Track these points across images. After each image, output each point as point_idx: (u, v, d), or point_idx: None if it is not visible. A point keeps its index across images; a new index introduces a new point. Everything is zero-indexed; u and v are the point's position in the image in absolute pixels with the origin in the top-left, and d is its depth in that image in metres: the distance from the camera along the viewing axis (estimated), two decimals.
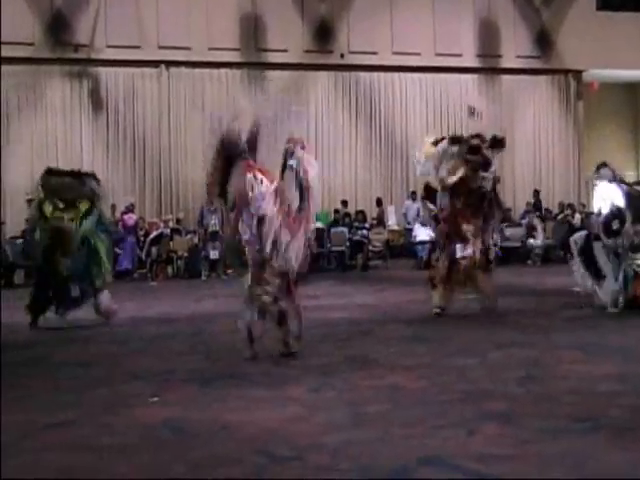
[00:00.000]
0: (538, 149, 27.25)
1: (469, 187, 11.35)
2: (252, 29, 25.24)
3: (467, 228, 11.28)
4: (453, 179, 11.27)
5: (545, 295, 12.13)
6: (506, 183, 25.38)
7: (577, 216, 24.47)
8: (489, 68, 27.14)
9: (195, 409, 6.14)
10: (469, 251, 11.33)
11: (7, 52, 23.36)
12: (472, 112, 12.22)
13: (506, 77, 27.32)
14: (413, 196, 25.68)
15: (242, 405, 6.23)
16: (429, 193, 11.91)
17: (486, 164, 11.46)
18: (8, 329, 11.59)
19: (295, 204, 8.31)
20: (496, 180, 11.83)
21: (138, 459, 4.90)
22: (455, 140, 11.63)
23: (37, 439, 5.45)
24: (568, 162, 27.69)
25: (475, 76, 27.22)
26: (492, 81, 27.28)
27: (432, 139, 11.93)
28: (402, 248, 24.97)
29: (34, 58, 24.08)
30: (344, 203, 24.57)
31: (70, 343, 10.09)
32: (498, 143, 11.79)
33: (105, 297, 11.93)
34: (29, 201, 22.15)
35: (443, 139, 11.77)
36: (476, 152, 11.43)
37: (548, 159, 27.60)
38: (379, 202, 25.70)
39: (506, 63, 27.08)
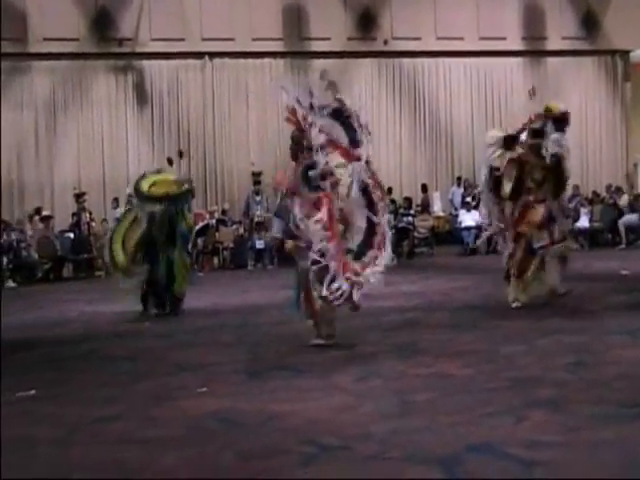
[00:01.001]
0: (584, 131, 26.93)
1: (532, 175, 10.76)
2: (295, 18, 25.23)
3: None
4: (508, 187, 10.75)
5: (593, 280, 12.04)
6: None
7: (624, 198, 24.21)
8: (534, 51, 26.88)
9: (242, 400, 6.15)
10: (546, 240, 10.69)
11: (53, 48, 23.62)
12: (532, 94, 11.57)
13: (551, 59, 27.06)
14: (459, 182, 25.60)
15: (289, 395, 6.24)
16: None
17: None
18: (57, 323, 11.72)
19: None
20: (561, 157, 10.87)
21: (185, 451, 4.92)
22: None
23: (86, 432, 5.49)
24: (615, 144, 27.39)
25: (520, 59, 26.99)
26: (537, 64, 27.03)
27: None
28: (448, 234, 24.88)
29: (79, 53, 24.28)
30: (389, 190, 24.47)
31: (118, 337, 10.15)
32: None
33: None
34: (76, 195, 22.42)
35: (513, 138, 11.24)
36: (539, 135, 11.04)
37: (595, 141, 27.31)
38: (424, 188, 25.60)
39: (551, 45, 26.80)
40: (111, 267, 12.56)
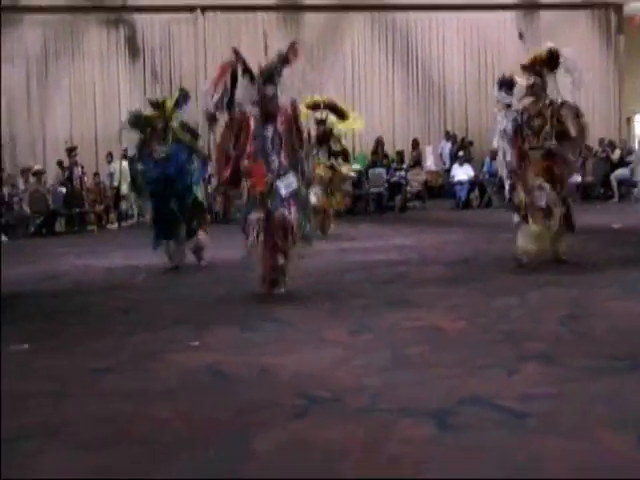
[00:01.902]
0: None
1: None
2: None
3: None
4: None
5: (586, 233, 12.00)
6: None
7: (617, 152, 24.21)
8: (527, 4, 26.74)
9: (235, 353, 6.16)
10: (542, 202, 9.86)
11: (44, 1, 23.41)
12: (522, 36, 11.15)
13: (545, 12, 26.91)
14: (447, 136, 25.58)
15: (281, 348, 6.25)
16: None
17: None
18: (50, 277, 11.72)
19: None
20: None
21: (180, 404, 4.93)
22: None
23: (80, 386, 5.50)
24: (608, 98, 27.32)
25: (513, 13, 26.84)
26: (530, 17, 26.89)
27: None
28: (440, 189, 24.90)
29: (71, 6, 24.09)
30: (381, 144, 24.43)
31: (111, 290, 10.15)
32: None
33: (202, 236, 11.97)
34: (68, 150, 22.34)
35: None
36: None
37: (588, 95, 27.15)
38: (415, 143, 25.53)
39: None
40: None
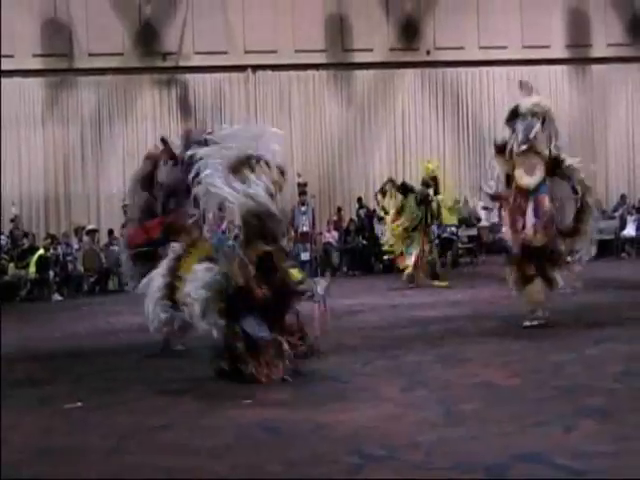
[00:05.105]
0: (631, 139, 26.67)
1: None
2: (338, 30, 25.26)
3: None
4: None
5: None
6: (599, 174, 25.09)
7: None
8: (579, 58, 26.67)
9: (289, 410, 6.16)
10: None
11: (98, 63, 23.89)
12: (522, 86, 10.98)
13: (597, 67, 26.81)
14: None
15: (335, 405, 6.24)
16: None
17: None
18: (105, 335, 11.79)
19: None
20: None
21: (234, 460, 4.93)
22: None
23: (137, 442, 5.53)
24: None
25: (565, 67, 26.78)
26: (582, 71, 26.82)
27: None
28: (492, 244, 24.72)
29: (124, 68, 24.49)
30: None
31: (165, 347, 10.16)
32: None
33: None
34: (124, 207, 22.57)
35: None
36: None
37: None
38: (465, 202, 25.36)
39: (597, 52, 26.57)
40: None
